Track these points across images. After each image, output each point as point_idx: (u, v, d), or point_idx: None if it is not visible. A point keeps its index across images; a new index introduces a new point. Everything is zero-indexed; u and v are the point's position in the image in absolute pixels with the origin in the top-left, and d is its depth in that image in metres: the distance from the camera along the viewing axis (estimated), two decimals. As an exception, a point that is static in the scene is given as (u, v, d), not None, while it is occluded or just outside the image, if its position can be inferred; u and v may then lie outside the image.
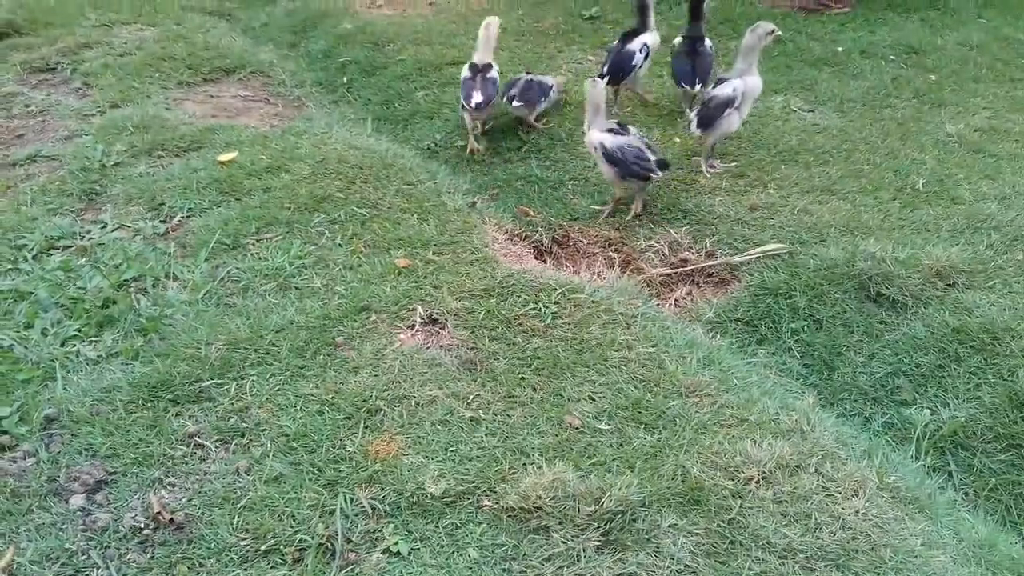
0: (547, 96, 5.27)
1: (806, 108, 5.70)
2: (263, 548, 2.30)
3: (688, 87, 5.26)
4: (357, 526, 2.38)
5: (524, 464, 2.58)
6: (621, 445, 2.69)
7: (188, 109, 5.34)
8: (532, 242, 4.26)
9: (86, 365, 3.00)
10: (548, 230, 4.37)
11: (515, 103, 5.14)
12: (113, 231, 3.87)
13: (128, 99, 5.36)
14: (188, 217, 3.99)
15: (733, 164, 4.93)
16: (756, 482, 2.55)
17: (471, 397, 2.87)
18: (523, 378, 2.98)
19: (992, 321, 3.50)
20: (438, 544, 2.34)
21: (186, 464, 2.58)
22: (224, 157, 4.45)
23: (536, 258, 4.12)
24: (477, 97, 4.98)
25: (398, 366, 2.99)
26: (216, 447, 2.65)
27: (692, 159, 4.96)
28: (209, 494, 2.47)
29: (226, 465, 2.57)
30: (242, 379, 2.91)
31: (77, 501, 2.44)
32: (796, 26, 7.11)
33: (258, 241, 3.75)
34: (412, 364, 3.00)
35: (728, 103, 4.60)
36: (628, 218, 4.49)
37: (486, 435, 2.71)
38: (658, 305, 3.77)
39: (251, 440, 2.67)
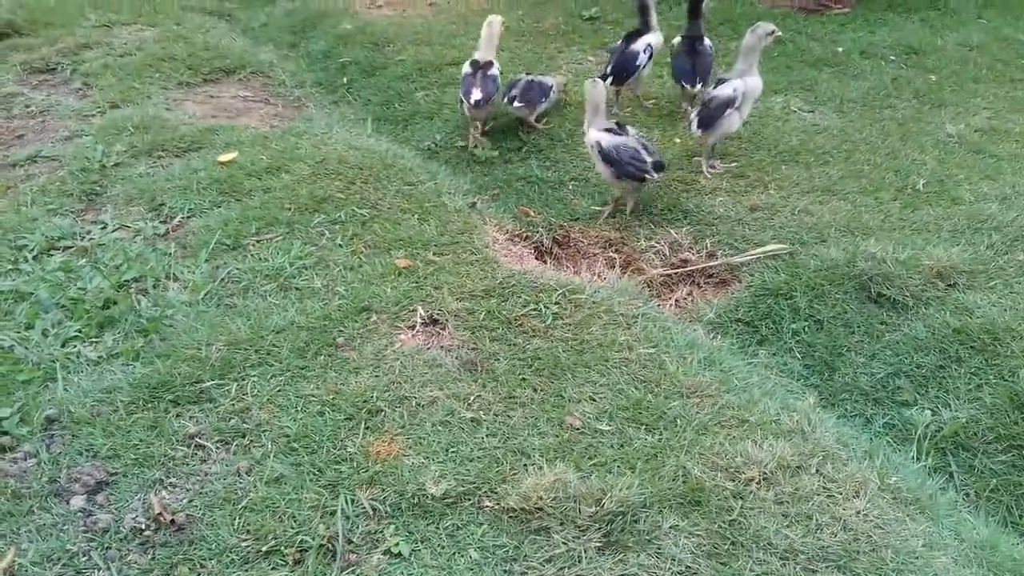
0: (547, 97, 5.27)
1: (806, 108, 5.70)
2: (264, 549, 2.30)
3: (688, 86, 5.26)
4: (358, 527, 2.38)
5: (525, 465, 2.58)
6: (622, 446, 2.69)
7: (188, 109, 5.34)
8: (533, 243, 4.26)
9: (87, 366, 3.00)
10: (549, 231, 4.36)
11: (515, 103, 5.14)
12: (113, 232, 3.87)
13: (128, 99, 5.36)
14: (188, 218, 3.99)
15: (733, 164, 4.93)
16: (757, 483, 2.54)
17: (472, 398, 2.87)
18: (524, 379, 2.98)
19: (993, 322, 3.50)
20: (439, 545, 2.34)
21: (187, 465, 2.58)
22: (224, 157, 4.45)
23: (537, 259, 4.11)
24: (476, 94, 4.99)
25: (399, 367, 2.99)
26: (217, 448, 2.65)
27: (693, 159, 4.96)
28: (210, 495, 2.47)
29: (227, 466, 2.57)
30: (243, 380, 2.91)
31: (78, 502, 2.44)
32: (796, 26, 7.11)
33: (258, 242, 3.75)
34: (413, 365, 3.00)
35: (728, 103, 4.60)
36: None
37: (487, 436, 2.71)
38: (659, 306, 3.77)
39: (252, 441, 2.67)
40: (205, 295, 3.38)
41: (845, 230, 4.25)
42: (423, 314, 3.26)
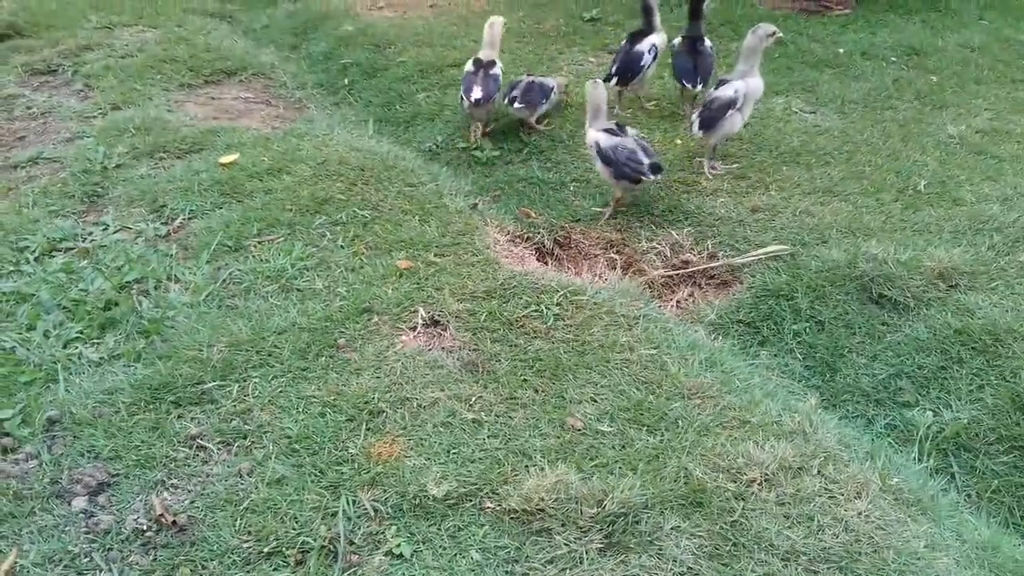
0: (548, 98, 5.27)
1: (807, 110, 5.70)
2: (266, 550, 2.30)
3: (690, 86, 5.26)
4: (359, 528, 2.38)
5: (526, 466, 2.58)
6: (623, 447, 2.69)
7: (189, 111, 5.34)
8: (534, 244, 4.26)
9: (88, 367, 3.00)
10: (550, 232, 4.36)
11: (516, 104, 5.14)
12: (115, 233, 3.87)
13: (129, 101, 5.36)
14: (190, 219, 3.99)
15: (735, 165, 4.93)
16: (758, 484, 2.54)
17: (473, 399, 2.87)
18: (525, 380, 2.98)
19: (994, 323, 3.50)
20: (440, 546, 2.34)
21: (188, 466, 2.58)
22: (226, 159, 4.45)
23: (538, 260, 4.11)
24: (476, 92, 4.99)
25: (400, 368, 2.99)
26: (218, 449, 2.65)
27: (694, 160, 4.96)
28: (211, 496, 2.47)
29: (228, 467, 2.57)
30: (244, 381, 2.91)
31: (79, 503, 2.44)
32: (797, 28, 7.11)
33: (260, 243, 3.75)
34: (414, 366, 3.00)
35: (730, 104, 4.60)
36: (605, 217, 4.48)
37: (488, 437, 2.71)
38: (660, 307, 3.77)
39: (253, 442, 2.67)
40: (206, 296, 3.38)
41: (846, 231, 4.24)
42: (424, 315, 3.27)
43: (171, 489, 2.50)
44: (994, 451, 3.14)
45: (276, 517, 2.40)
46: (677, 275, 4.21)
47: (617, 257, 4.28)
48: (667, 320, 3.49)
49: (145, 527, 2.36)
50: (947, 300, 3.69)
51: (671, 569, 2.29)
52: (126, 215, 4.03)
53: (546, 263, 4.16)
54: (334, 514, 2.41)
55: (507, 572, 2.28)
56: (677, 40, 5.43)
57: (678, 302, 4.12)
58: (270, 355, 3.03)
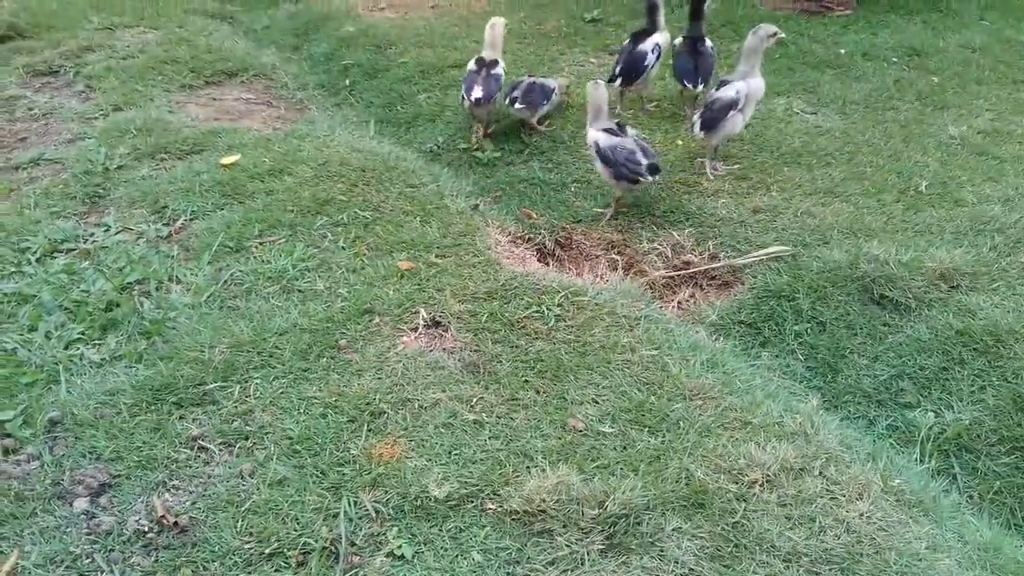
0: (549, 99, 5.27)
1: (809, 110, 5.70)
2: (267, 551, 2.30)
3: (691, 86, 5.26)
4: (361, 529, 2.38)
5: (528, 467, 2.58)
6: (625, 448, 2.69)
7: (191, 112, 5.35)
8: (535, 245, 4.26)
9: (90, 368, 3.00)
10: (551, 233, 4.36)
11: (516, 105, 5.14)
12: (116, 234, 3.88)
13: (131, 102, 5.36)
14: (191, 220, 3.99)
15: (736, 166, 4.93)
16: (760, 485, 2.54)
17: (474, 400, 2.87)
18: (526, 381, 2.98)
19: (996, 323, 3.50)
20: (442, 547, 2.34)
21: (190, 467, 2.58)
22: (227, 160, 4.45)
23: (539, 261, 4.12)
24: (477, 91, 5.00)
25: (401, 369, 2.99)
26: (220, 450, 2.65)
27: (696, 161, 4.96)
28: (213, 497, 2.47)
29: (230, 468, 2.57)
30: (246, 382, 2.91)
31: (81, 504, 2.44)
32: (798, 28, 7.11)
33: (261, 244, 3.75)
34: (415, 367, 3.00)
35: (731, 105, 4.60)
36: (607, 218, 4.48)
37: (489, 438, 2.71)
38: (661, 308, 3.77)
39: (255, 443, 2.67)
40: (208, 297, 3.38)
41: (848, 232, 4.24)
42: (425, 316, 3.27)
43: (172, 490, 2.50)
44: (996, 452, 3.14)
45: (277, 518, 2.40)
46: (678, 276, 4.21)
47: (618, 258, 4.28)
48: (668, 321, 3.48)
49: (147, 528, 2.36)
50: (948, 301, 3.69)
51: (672, 570, 2.29)
52: (127, 216, 4.03)
53: (547, 264, 4.16)
54: (335, 515, 2.41)
55: (508, 573, 2.28)
56: (678, 40, 5.43)
57: (679, 303, 4.11)
58: (271, 356, 3.03)
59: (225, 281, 3.50)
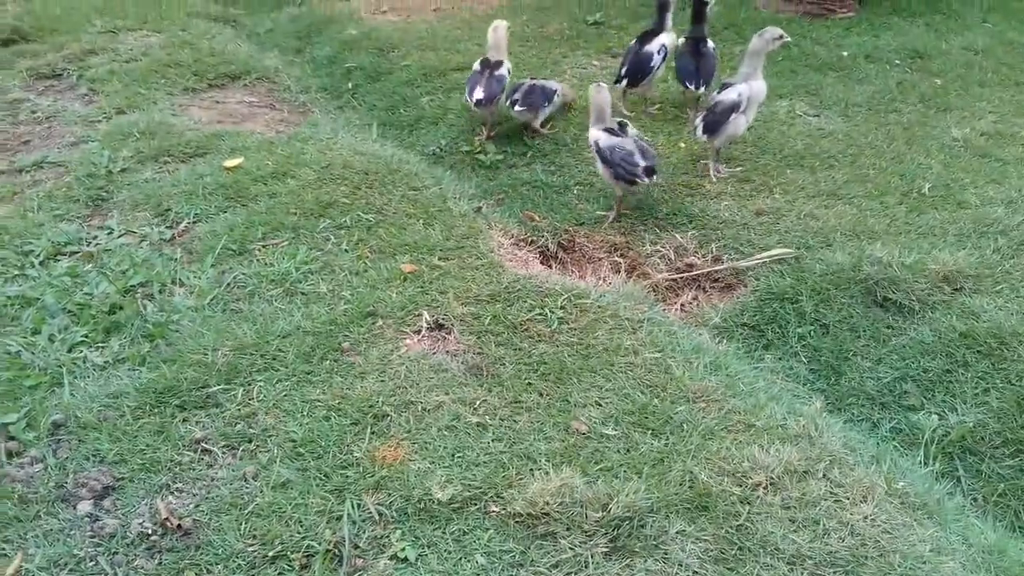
0: (551, 101, 5.27)
1: (811, 113, 5.70)
2: (271, 554, 2.30)
3: (692, 87, 5.26)
4: (364, 532, 2.38)
5: (531, 470, 2.58)
6: (628, 451, 2.69)
7: (194, 115, 5.35)
8: (538, 247, 4.26)
9: (93, 371, 3.01)
10: (554, 235, 4.36)
11: (517, 107, 5.14)
12: (119, 237, 3.88)
13: (134, 105, 5.37)
14: (194, 223, 4.00)
15: (739, 169, 4.92)
16: (764, 488, 2.54)
17: (477, 403, 2.87)
18: (529, 383, 2.97)
19: (999, 326, 3.49)
20: (445, 550, 2.34)
21: (193, 470, 2.58)
22: (230, 163, 4.46)
23: (542, 263, 4.11)
24: (479, 93, 5.01)
25: (404, 372, 2.99)
26: (223, 453, 2.65)
27: (698, 163, 4.96)
28: (216, 500, 2.47)
29: (233, 471, 2.57)
30: (249, 385, 2.91)
31: (85, 507, 2.44)
32: (801, 31, 7.11)
33: (264, 247, 3.75)
34: (418, 370, 3.00)
35: (733, 108, 4.60)
36: (609, 220, 4.48)
37: (493, 441, 2.70)
38: (664, 310, 3.77)
39: (258, 446, 2.67)
40: (211, 300, 3.38)
41: (851, 234, 4.24)
42: (428, 319, 3.27)
43: (176, 493, 2.51)
44: (1000, 455, 3.14)
45: (281, 521, 2.40)
46: (681, 278, 4.21)
47: (621, 260, 4.28)
48: (671, 323, 3.48)
49: (150, 531, 2.36)
50: (952, 303, 3.68)
51: (676, 573, 2.28)
52: (131, 219, 4.03)
53: (550, 267, 4.16)
54: (339, 518, 2.41)
55: (512, 576, 2.28)
56: (680, 41, 5.43)
57: (682, 305, 4.11)
58: (274, 359, 3.03)
59: (228, 284, 3.50)
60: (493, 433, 2.73)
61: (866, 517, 2.47)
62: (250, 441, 2.69)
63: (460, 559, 2.31)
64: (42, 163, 4.62)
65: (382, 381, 2.94)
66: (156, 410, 2.80)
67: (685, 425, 2.79)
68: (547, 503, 2.42)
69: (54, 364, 3.02)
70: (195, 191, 4.20)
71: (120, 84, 5.70)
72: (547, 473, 2.54)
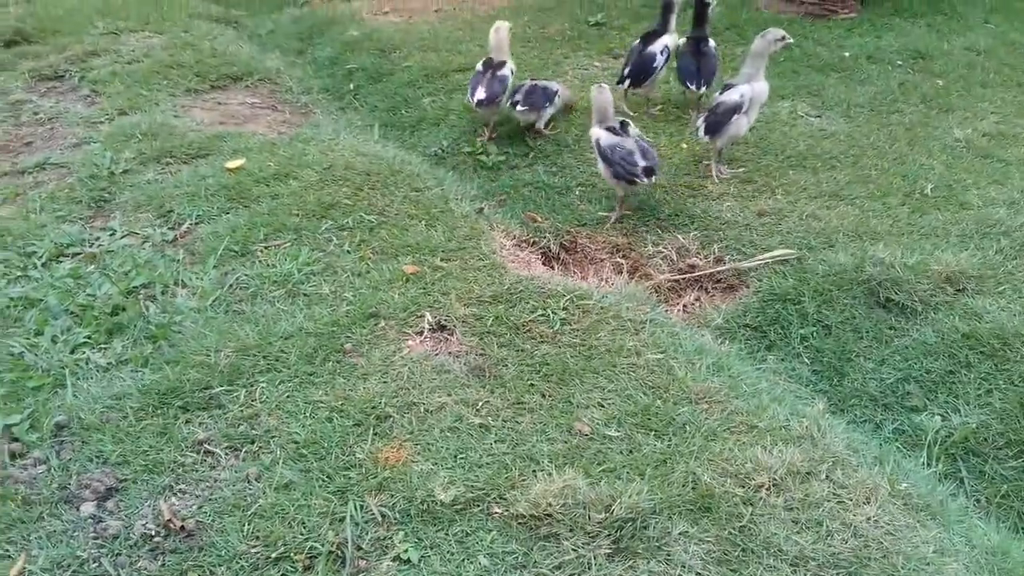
0: (552, 101, 5.27)
1: (813, 113, 5.70)
2: (274, 555, 2.30)
3: (693, 87, 5.27)
4: (367, 533, 2.38)
5: (534, 471, 2.58)
6: (631, 452, 2.68)
7: (196, 116, 5.36)
8: (540, 248, 4.26)
9: (96, 372, 3.01)
10: (556, 236, 4.36)
11: (518, 108, 5.14)
12: (122, 238, 3.88)
13: (136, 106, 5.38)
14: (197, 224, 4.00)
15: (741, 170, 4.92)
16: (767, 489, 2.54)
17: (480, 404, 2.87)
18: (532, 385, 2.97)
19: (1002, 326, 3.49)
20: (448, 551, 2.34)
21: (196, 471, 2.58)
22: (232, 164, 4.46)
23: (544, 264, 4.11)
24: (480, 93, 5.01)
25: (407, 373, 2.99)
26: (226, 454, 2.65)
27: (700, 164, 4.96)
28: (219, 501, 2.47)
29: (236, 472, 2.57)
30: (251, 386, 2.92)
31: (88, 508, 2.44)
32: (802, 32, 7.11)
33: (266, 248, 3.76)
34: (421, 371, 3.00)
35: (735, 109, 4.60)
36: (611, 221, 4.48)
37: (495, 442, 2.70)
38: (666, 311, 3.77)
39: (261, 447, 2.67)
40: (213, 301, 3.39)
41: (853, 235, 4.24)
42: (431, 320, 3.27)
43: (179, 494, 2.51)
44: (1003, 456, 3.13)
45: (284, 522, 2.40)
46: (683, 279, 4.21)
47: (623, 261, 4.28)
48: (674, 324, 3.48)
49: (153, 532, 2.36)
50: (954, 304, 3.68)
51: (679, 575, 2.28)
52: (133, 220, 4.04)
53: (552, 268, 4.16)
54: (342, 519, 2.41)
55: (515, 577, 2.28)
56: (682, 41, 5.44)
57: (685, 306, 4.11)
58: (277, 360, 3.03)
59: (230, 285, 3.50)
60: (496, 434, 2.73)
61: (869, 518, 2.47)
62: (253, 442, 2.69)
63: (463, 560, 2.31)
64: (44, 164, 4.62)
65: (384, 382, 2.94)
66: (159, 411, 2.80)
67: (688, 426, 2.79)
68: (550, 504, 2.42)
69: (57, 365, 3.02)
70: (197, 192, 4.20)
71: (122, 85, 5.71)
72: (550, 474, 2.54)
